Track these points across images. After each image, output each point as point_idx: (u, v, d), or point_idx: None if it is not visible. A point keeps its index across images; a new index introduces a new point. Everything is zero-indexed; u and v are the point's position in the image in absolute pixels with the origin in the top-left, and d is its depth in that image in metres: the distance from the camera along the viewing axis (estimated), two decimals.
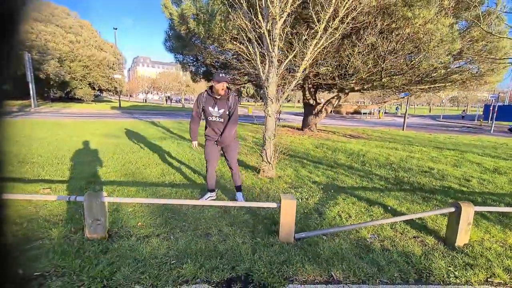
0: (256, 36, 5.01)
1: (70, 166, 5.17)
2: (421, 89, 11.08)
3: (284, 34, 4.91)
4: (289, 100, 66.63)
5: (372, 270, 2.40)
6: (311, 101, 12.60)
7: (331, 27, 4.72)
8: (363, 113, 31.55)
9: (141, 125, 13.67)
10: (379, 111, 33.35)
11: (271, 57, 4.74)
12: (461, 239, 2.83)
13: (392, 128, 19.12)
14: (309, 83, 11.80)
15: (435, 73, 9.29)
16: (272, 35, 4.69)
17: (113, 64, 39.98)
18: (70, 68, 33.96)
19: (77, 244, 2.58)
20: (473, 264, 2.51)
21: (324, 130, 14.15)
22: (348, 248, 2.73)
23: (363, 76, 8.70)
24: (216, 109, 3.43)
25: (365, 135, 13.41)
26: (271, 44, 4.71)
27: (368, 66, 8.23)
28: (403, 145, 9.88)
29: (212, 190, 3.80)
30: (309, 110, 13.08)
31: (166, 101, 57.77)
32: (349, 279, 2.29)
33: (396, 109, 48.92)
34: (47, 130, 9.95)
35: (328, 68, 8.81)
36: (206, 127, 3.58)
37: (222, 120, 3.49)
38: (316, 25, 4.78)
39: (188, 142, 8.39)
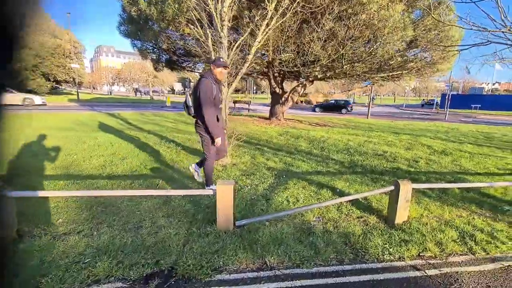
0: (207, 17, 4.68)
1: None
2: (381, 77, 11.44)
3: (232, 13, 4.62)
4: (263, 91, 66.53)
5: (308, 253, 2.30)
6: (277, 90, 12.50)
7: (282, 7, 4.53)
8: None
9: (98, 117, 12.68)
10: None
11: (220, 37, 4.45)
12: (400, 217, 2.85)
13: (358, 116, 19.79)
14: (274, 71, 11.65)
15: (392, 61, 9.59)
16: (221, 15, 4.39)
17: (70, 53, 36.81)
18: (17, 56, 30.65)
19: None
20: (408, 240, 2.52)
21: (291, 119, 14.21)
22: (289, 233, 2.61)
23: (324, 63, 8.71)
24: (220, 95, 3.33)
25: (331, 123, 13.67)
26: (219, 24, 4.41)
27: (328, 53, 8.23)
28: (364, 131, 10.18)
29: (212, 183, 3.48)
30: (275, 99, 13.00)
31: (136, 93, 54.37)
32: (283, 265, 2.17)
33: (372, 99, 50.67)
34: None
35: (290, 55, 8.69)
36: (217, 118, 3.25)
37: (222, 106, 3.50)
38: (267, 5, 4.56)
39: (143, 133, 7.87)
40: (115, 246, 2.29)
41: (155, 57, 13.68)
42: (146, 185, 3.72)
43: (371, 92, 19.48)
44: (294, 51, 8.76)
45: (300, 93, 12.39)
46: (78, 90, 34.12)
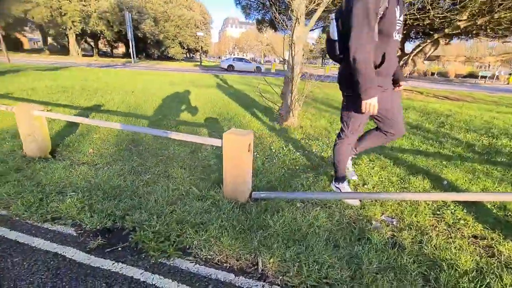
0: None
1: (89, 95, 5.27)
2: None
3: None
4: None
5: (339, 272, 1.27)
6: None
7: None
8: (481, 77, 23.91)
9: (204, 77, 13.84)
10: (510, 74, 24.65)
11: None
12: None
13: None
14: None
15: None
16: None
17: (200, 23, 41.90)
18: (164, 28, 37.42)
19: (10, 160, 2.33)
20: None
21: (409, 90, 11.15)
22: (324, 227, 1.60)
23: (477, 3, 5.82)
24: (398, 13, 1.51)
25: (470, 98, 9.87)
26: None
27: None
28: None
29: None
30: None
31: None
32: (283, 278, 1.25)
33: None
34: (122, 76, 11.02)
35: None
36: (383, 59, 1.57)
37: (399, 38, 1.63)
38: None
39: (230, 89, 7.76)
40: (106, 186, 1.96)
41: (259, 17, 13.33)
42: (186, 132, 3.35)
43: None
44: None
45: (428, 55, 9.27)
46: (206, 59, 38.96)
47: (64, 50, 34.08)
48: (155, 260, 1.32)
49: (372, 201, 1.88)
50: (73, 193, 1.86)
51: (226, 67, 21.64)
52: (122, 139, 2.97)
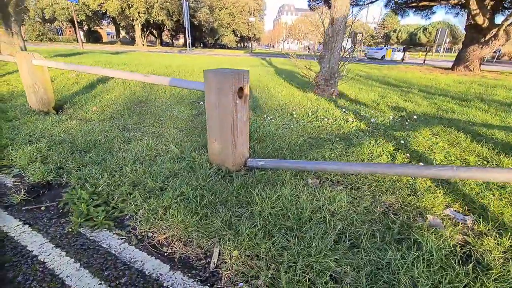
0: None
1: (125, 67, 5.28)
2: None
3: None
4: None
5: None
6: (480, 19, 7.82)
7: None
8: None
9: (249, 59, 13.47)
10: None
11: None
12: None
13: None
14: None
15: None
16: None
17: (254, 10, 41.54)
18: (218, 16, 38.08)
19: (11, 111, 2.24)
20: None
21: (494, 71, 8.96)
22: (342, 215, 1.00)
23: None
24: None
25: None
26: None
27: None
28: None
29: None
30: (472, 35, 8.35)
31: (308, 51, 56.01)
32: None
33: None
34: (169, 58, 11.35)
35: None
36: None
37: None
38: None
39: (268, 65, 7.18)
40: (80, 140, 1.66)
41: None
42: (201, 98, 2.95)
43: None
44: None
45: None
46: (258, 47, 38.66)
47: (133, 42, 37.50)
48: (73, 228, 0.92)
49: (430, 184, 1.19)
50: (41, 144, 1.60)
51: (380, 58, 21.35)
52: (131, 100, 2.72)
